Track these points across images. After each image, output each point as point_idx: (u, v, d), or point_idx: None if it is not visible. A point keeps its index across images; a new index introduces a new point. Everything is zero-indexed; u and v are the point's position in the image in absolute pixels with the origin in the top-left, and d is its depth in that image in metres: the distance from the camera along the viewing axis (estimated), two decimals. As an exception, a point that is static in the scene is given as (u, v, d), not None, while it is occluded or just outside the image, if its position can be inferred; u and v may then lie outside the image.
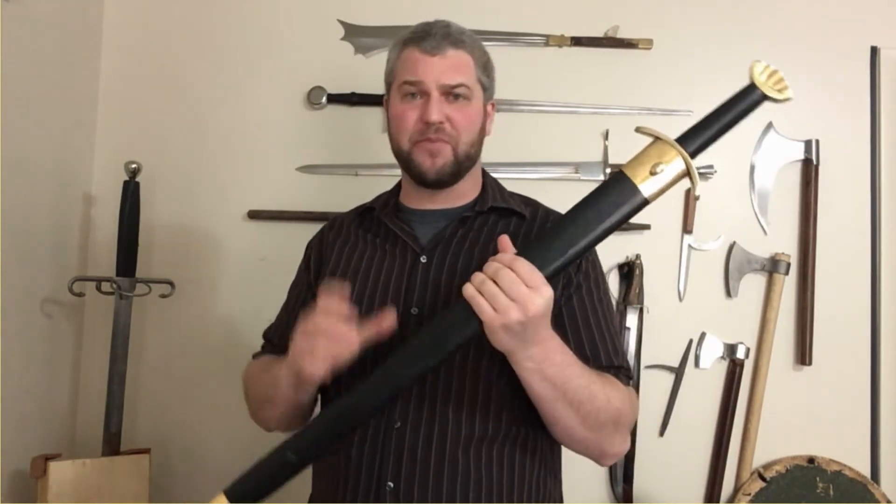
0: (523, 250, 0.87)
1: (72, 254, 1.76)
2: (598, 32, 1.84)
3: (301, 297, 1.21)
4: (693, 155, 0.86)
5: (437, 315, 0.92)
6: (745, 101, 0.87)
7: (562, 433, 1.00)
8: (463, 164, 1.10)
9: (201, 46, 1.86)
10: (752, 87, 0.87)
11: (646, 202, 0.86)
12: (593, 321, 1.07)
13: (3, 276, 1.47)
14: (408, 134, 1.08)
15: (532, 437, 1.06)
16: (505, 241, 0.89)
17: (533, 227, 1.13)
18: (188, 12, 1.87)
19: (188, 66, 1.86)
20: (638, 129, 0.91)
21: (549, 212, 1.18)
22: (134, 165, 1.63)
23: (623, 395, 1.01)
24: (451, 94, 1.07)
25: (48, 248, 1.66)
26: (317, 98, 1.82)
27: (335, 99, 1.83)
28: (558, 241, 0.86)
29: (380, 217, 1.16)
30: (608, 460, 1.05)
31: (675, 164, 0.86)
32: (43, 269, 1.64)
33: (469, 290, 0.85)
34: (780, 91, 0.86)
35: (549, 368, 0.90)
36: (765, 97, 0.86)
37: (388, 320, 0.94)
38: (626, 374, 1.08)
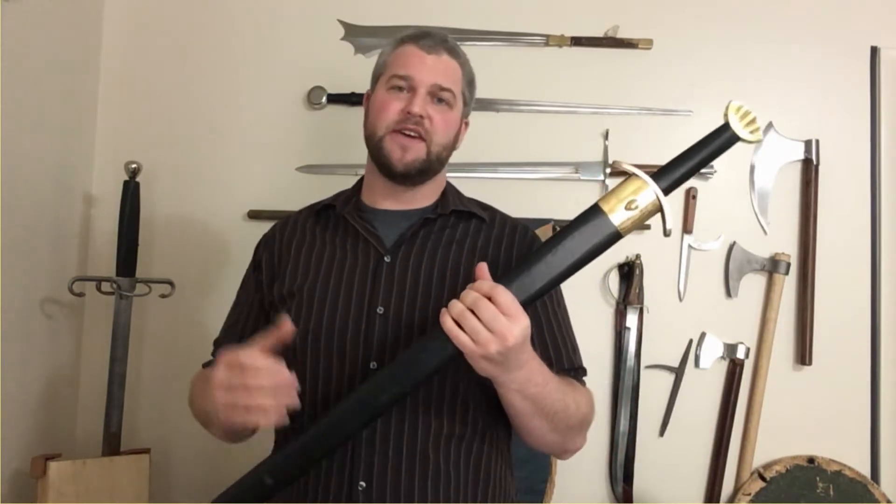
0: (500, 277, 0.89)
1: (72, 254, 1.76)
2: (598, 32, 1.84)
3: (250, 300, 1.19)
4: (667, 191, 0.90)
5: (414, 342, 0.93)
6: (718, 139, 0.91)
7: (534, 439, 1.03)
8: (432, 165, 1.11)
9: (201, 46, 1.86)
10: (725, 127, 0.90)
11: (619, 236, 0.90)
12: (555, 325, 1.10)
13: (3, 276, 1.47)
14: (386, 122, 1.09)
15: (494, 434, 1.09)
16: (483, 268, 0.90)
17: (493, 231, 1.15)
18: (188, 12, 1.87)
19: (188, 66, 1.86)
20: (614, 164, 0.94)
21: (506, 216, 1.19)
22: (134, 165, 1.63)
23: (587, 398, 1.06)
24: (437, 96, 1.09)
25: (48, 248, 1.66)
26: (317, 98, 1.82)
27: (335, 99, 1.83)
28: (535, 270, 0.89)
29: (342, 215, 1.15)
30: (568, 455, 1.09)
31: (649, 200, 0.90)
32: (43, 269, 1.64)
33: (448, 323, 0.85)
34: (751, 133, 0.90)
35: (530, 388, 0.93)
36: (736, 138, 0.90)
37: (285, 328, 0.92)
38: (584, 373, 1.13)
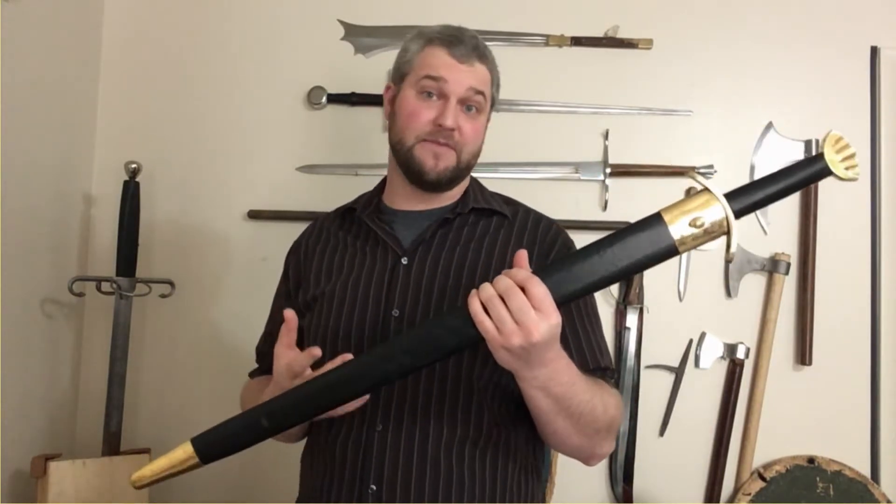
0: (539, 270, 0.84)
1: (72, 254, 1.76)
2: (598, 32, 1.83)
3: (282, 308, 1.19)
4: (739, 215, 0.82)
5: (438, 316, 0.91)
6: (808, 169, 0.83)
7: (557, 441, 1.00)
8: (462, 173, 1.11)
9: (201, 46, 1.86)
10: (818, 158, 0.82)
11: (676, 251, 0.83)
12: (579, 324, 1.07)
13: (3, 276, 1.47)
14: (416, 131, 1.07)
15: (513, 439, 1.06)
16: (522, 256, 0.87)
17: (514, 226, 1.13)
18: (188, 12, 1.87)
19: (188, 66, 1.86)
20: (689, 174, 0.89)
21: (529, 211, 1.18)
22: (134, 165, 1.63)
23: (616, 400, 1.02)
24: (468, 102, 1.08)
25: (48, 248, 1.66)
26: (317, 98, 1.82)
27: (335, 99, 1.83)
28: (577, 269, 0.83)
29: (361, 218, 1.16)
30: (595, 461, 1.05)
31: (717, 220, 0.82)
32: (43, 269, 1.64)
33: (475, 306, 0.81)
34: (847, 169, 0.81)
35: (555, 388, 0.90)
36: (829, 171, 0.81)
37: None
38: (612, 375, 1.09)
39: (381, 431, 1.02)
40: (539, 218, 1.16)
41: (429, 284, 1.06)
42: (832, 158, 0.81)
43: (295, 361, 0.93)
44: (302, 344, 1.13)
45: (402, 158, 1.10)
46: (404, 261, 1.09)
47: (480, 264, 1.08)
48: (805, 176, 0.83)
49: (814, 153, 1.79)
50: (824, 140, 0.82)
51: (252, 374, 1.28)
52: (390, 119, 1.14)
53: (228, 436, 0.92)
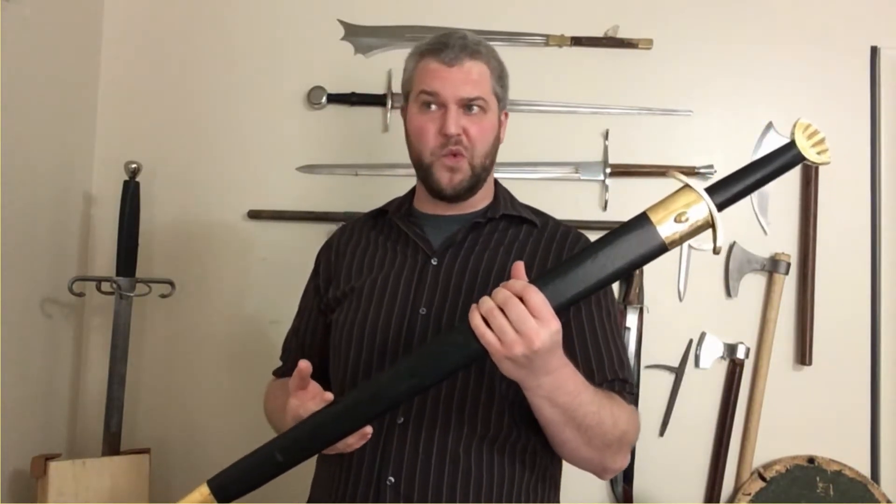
0: (535, 278, 0.86)
1: (72, 254, 1.76)
2: (598, 32, 1.84)
3: (309, 306, 1.25)
4: (721, 207, 0.86)
5: (440, 334, 0.93)
6: (782, 158, 0.87)
7: (567, 452, 1.01)
8: (479, 177, 1.12)
9: (201, 46, 1.86)
10: (790, 146, 0.86)
11: (665, 249, 0.86)
12: (600, 334, 1.08)
13: (3, 276, 1.47)
14: (429, 148, 1.10)
15: (532, 442, 1.07)
16: (519, 267, 0.88)
17: (543, 236, 1.15)
18: (188, 12, 1.87)
19: (188, 66, 1.86)
20: (668, 174, 0.91)
21: (559, 223, 1.19)
22: (134, 165, 1.63)
23: (628, 414, 1.02)
24: (468, 105, 1.09)
25: (48, 248, 1.66)
26: (317, 98, 1.82)
27: (335, 99, 1.83)
28: (572, 275, 0.86)
29: (392, 220, 1.19)
30: (608, 475, 1.06)
31: (701, 215, 0.86)
32: (43, 269, 1.64)
33: (476, 319, 0.83)
34: (819, 153, 0.85)
35: (560, 397, 0.91)
36: (801, 157, 0.86)
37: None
38: (630, 389, 1.08)
39: (402, 424, 1.03)
40: (568, 230, 1.18)
41: (457, 285, 1.08)
42: (803, 145, 0.85)
43: (303, 408, 0.94)
44: (327, 337, 1.17)
45: (422, 176, 1.14)
46: (434, 261, 1.11)
47: (507, 269, 1.08)
48: (780, 164, 0.87)
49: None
50: (794, 128, 0.86)
51: (276, 372, 1.29)
52: (406, 137, 1.17)
53: (244, 474, 0.93)
